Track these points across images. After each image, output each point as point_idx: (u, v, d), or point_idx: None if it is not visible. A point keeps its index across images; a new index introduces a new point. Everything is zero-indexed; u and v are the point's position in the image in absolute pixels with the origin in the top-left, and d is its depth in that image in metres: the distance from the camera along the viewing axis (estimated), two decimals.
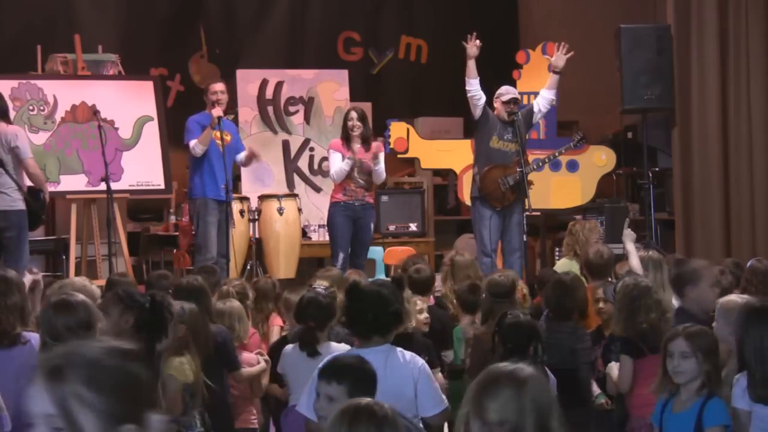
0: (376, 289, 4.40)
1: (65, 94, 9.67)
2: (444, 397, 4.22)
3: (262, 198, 9.89)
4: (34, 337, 4.41)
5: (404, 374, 4.07)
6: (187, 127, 8.94)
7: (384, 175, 8.97)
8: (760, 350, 4.00)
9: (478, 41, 8.59)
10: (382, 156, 8.84)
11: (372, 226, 8.95)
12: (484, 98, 8.70)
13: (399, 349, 4.19)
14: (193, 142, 8.81)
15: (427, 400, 4.09)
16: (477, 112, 8.75)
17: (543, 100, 8.94)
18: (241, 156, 9.12)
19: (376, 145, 8.89)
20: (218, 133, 8.71)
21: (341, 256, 8.59)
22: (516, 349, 4.80)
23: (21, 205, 7.96)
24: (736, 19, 10.34)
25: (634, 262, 5.84)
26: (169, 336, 4.68)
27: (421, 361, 4.16)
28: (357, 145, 8.68)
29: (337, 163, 8.71)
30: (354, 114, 8.79)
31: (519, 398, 2.46)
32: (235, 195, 9.45)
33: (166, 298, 4.77)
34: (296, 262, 9.75)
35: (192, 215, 8.99)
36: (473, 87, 8.62)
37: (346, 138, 8.76)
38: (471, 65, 8.61)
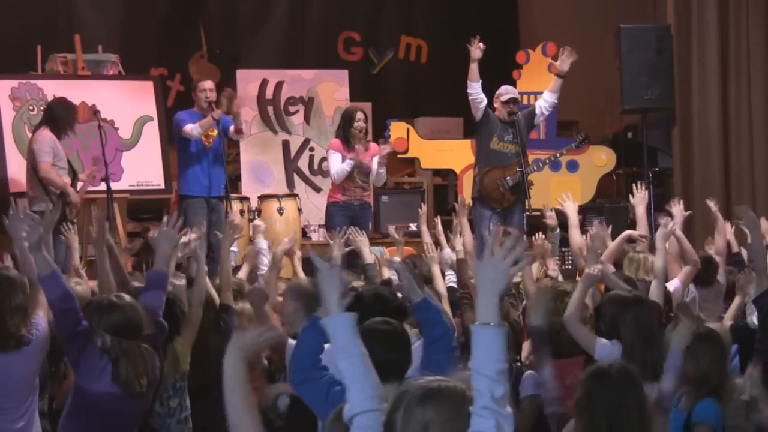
0: (372, 289, 4.41)
1: (65, 94, 9.64)
2: None
3: (262, 198, 9.88)
4: (38, 325, 4.40)
5: None
6: (179, 117, 8.93)
7: (384, 178, 9.05)
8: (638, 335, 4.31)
9: (481, 44, 8.59)
10: (383, 171, 8.95)
11: (369, 226, 8.98)
12: (485, 101, 8.71)
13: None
14: (190, 126, 8.78)
15: None
16: (478, 115, 8.76)
17: (545, 102, 8.95)
18: (231, 128, 9.08)
19: (384, 147, 8.97)
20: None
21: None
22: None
23: (45, 207, 8.13)
24: (736, 19, 10.35)
25: (659, 263, 5.74)
26: (182, 332, 4.79)
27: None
28: (359, 146, 8.72)
29: (338, 164, 8.75)
30: (362, 115, 8.86)
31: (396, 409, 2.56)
32: (235, 195, 9.45)
33: (178, 297, 4.83)
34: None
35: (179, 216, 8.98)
36: (475, 90, 8.63)
37: (345, 138, 8.80)
38: (474, 68, 8.60)
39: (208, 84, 8.98)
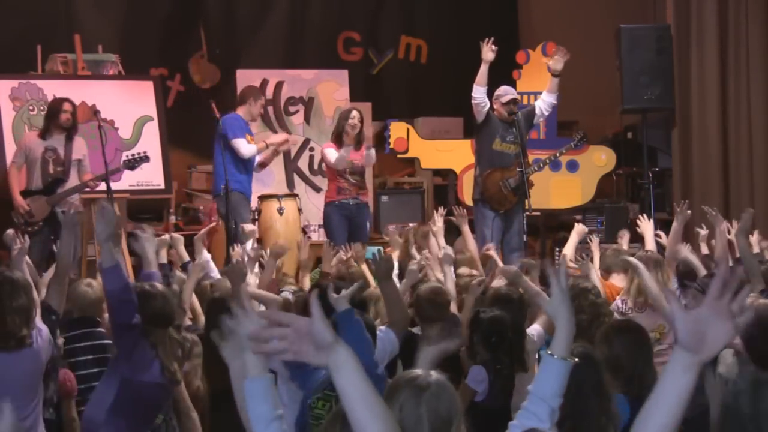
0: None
1: (65, 94, 9.65)
2: None
3: (262, 198, 9.87)
4: (40, 329, 4.43)
5: None
6: (231, 123, 8.84)
7: (374, 158, 9.19)
8: None
9: (494, 46, 8.56)
10: (372, 152, 9.04)
11: (368, 225, 8.99)
12: (488, 105, 8.72)
13: None
14: (249, 150, 8.84)
15: None
16: (480, 117, 8.76)
17: (544, 103, 8.96)
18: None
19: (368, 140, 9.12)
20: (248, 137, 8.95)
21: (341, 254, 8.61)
22: (501, 341, 4.82)
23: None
24: (736, 19, 10.35)
25: (652, 285, 5.70)
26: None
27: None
28: (350, 146, 8.78)
29: (335, 154, 8.87)
30: (356, 114, 8.91)
31: (417, 406, 2.52)
32: None
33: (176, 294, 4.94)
34: (296, 262, 9.73)
35: (225, 212, 8.83)
36: (480, 95, 8.62)
37: (339, 136, 8.90)
38: (484, 71, 8.55)
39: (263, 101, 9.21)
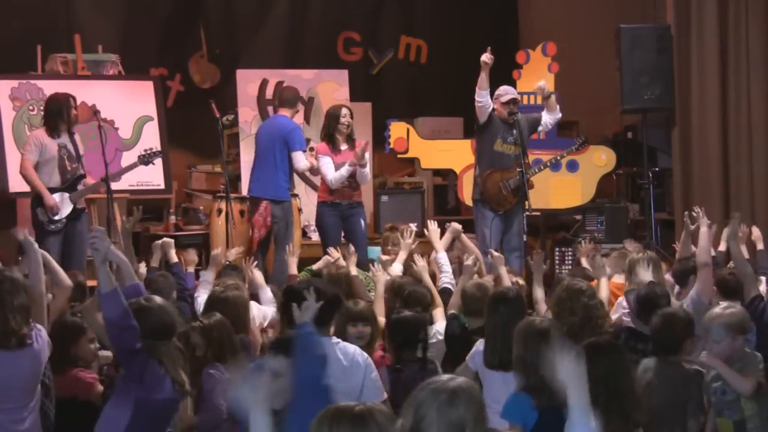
0: (306, 282, 4.57)
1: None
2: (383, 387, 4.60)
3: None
4: (39, 330, 4.44)
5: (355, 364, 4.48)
6: (300, 135, 8.99)
7: (369, 177, 9.08)
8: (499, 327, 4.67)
9: (490, 55, 8.59)
10: (367, 156, 8.90)
11: (363, 223, 8.94)
12: (492, 106, 8.76)
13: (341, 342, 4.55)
14: (305, 165, 8.90)
15: (371, 390, 4.42)
16: (482, 118, 8.79)
17: (548, 119, 9.10)
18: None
19: (361, 144, 8.86)
20: None
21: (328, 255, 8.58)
22: (406, 343, 4.99)
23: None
24: (736, 19, 10.34)
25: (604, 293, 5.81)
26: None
27: (365, 354, 4.55)
28: (344, 147, 8.76)
29: (332, 169, 8.74)
30: (347, 111, 8.86)
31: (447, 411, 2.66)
32: (235, 195, 9.46)
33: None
34: (296, 262, 9.72)
35: (281, 220, 8.86)
36: (483, 98, 8.67)
37: (330, 138, 8.81)
38: (484, 77, 8.62)
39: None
